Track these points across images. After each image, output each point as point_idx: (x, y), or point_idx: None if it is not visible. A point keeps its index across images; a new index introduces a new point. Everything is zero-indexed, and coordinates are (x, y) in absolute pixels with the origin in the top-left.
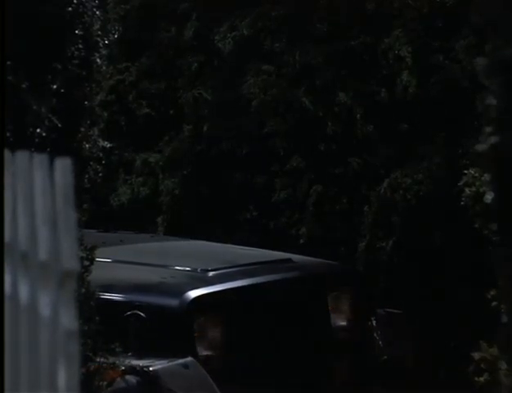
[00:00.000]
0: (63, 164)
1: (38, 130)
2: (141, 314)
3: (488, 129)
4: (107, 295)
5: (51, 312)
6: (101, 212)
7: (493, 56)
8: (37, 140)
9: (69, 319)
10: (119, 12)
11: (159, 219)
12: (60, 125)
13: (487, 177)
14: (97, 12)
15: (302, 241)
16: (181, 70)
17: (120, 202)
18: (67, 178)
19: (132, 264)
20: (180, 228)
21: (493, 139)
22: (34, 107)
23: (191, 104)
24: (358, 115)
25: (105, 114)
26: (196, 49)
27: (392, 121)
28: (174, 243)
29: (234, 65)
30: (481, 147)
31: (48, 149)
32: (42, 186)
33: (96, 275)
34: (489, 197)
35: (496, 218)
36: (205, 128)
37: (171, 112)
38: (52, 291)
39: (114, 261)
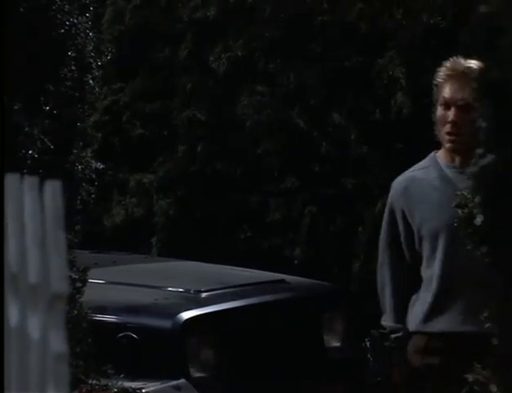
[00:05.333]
0: (53, 187)
1: (31, 151)
2: (134, 336)
3: (479, 151)
4: (99, 317)
5: (40, 335)
6: (94, 233)
7: (483, 78)
8: (29, 161)
9: (58, 342)
10: (113, 33)
11: (153, 240)
12: (52, 147)
13: (477, 199)
14: (90, 34)
15: (296, 261)
16: (175, 91)
17: (114, 223)
18: (57, 200)
19: (124, 285)
20: (174, 249)
21: (483, 161)
22: (26, 129)
23: (185, 124)
24: (353, 136)
25: (99, 134)
26: (190, 69)
27: (386, 142)
28: (167, 264)
29: (228, 86)
30: (472, 169)
31: (40, 170)
32: (31, 208)
33: (89, 296)
34: (479, 220)
35: (486, 240)
36: (199, 149)
37: (165, 133)
38: (42, 314)
39: (107, 282)
